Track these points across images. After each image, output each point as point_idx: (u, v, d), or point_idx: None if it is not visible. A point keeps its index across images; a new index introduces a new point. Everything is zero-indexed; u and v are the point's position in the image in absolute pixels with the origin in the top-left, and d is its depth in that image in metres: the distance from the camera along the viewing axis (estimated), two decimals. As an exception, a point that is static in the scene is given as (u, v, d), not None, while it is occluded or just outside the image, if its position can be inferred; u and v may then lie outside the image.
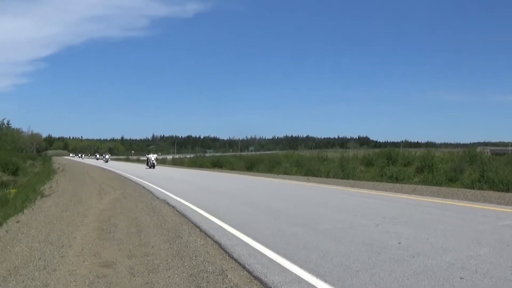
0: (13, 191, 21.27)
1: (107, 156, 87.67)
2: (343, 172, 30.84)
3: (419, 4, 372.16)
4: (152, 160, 54.43)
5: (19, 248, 8.25)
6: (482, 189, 18.34)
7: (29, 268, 6.83)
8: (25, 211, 13.28)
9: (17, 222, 11.34)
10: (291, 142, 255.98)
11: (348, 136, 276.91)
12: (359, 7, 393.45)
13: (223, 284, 5.90)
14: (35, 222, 11.30)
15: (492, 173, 21.04)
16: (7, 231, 10.04)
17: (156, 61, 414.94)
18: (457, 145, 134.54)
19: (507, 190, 17.47)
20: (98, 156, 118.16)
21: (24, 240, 9.05)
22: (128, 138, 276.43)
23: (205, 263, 6.98)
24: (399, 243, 7.96)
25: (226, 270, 6.52)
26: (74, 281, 6.15)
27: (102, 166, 58.34)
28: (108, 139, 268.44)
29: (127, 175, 34.26)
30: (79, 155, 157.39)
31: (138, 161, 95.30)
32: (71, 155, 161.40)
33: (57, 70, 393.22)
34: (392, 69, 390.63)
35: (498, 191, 17.31)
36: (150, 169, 48.57)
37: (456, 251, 7.26)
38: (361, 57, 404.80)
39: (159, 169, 49.16)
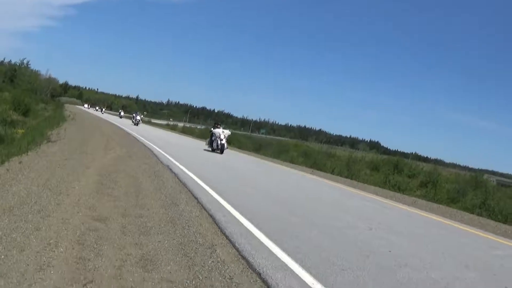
0: (20, 131, 21.36)
1: (138, 117, 60.40)
2: (348, 171, 30.85)
3: (459, 19, 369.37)
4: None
5: (17, 189, 8.31)
6: (480, 216, 18.31)
7: (24, 210, 6.89)
8: (29, 153, 13.34)
9: (20, 162, 11.40)
10: (303, 132, 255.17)
11: (360, 138, 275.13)
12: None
13: (210, 258, 5.96)
14: (37, 165, 11.36)
15: (494, 202, 21.02)
16: (8, 170, 10.10)
17: (183, 26, 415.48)
18: (465, 168, 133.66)
19: (505, 222, 17.44)
20: (122, 113, 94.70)
21: (23, 181, 9.11)
22: (143, 98, 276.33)
23: (197, 234, 7.05)
24: (390, 251, 7.98)
25: (215, 245, 6.58)
26: (65, 229, 6.22)
27: (111, 121, 57.89)
28: (123, 96, 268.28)
29: (136, 135, 34.25)
30: (97, 107, 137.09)
31: (150, 123, 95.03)
32: (85, 105, 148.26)
33: (86, 19, 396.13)
34: (415, 81, 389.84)
35: (496, 220, 17.27)
36: (157, 134, 47.19)
37: (443, 269, 7.27)
38: (383, 63, 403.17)
39: (168, 134, 48.94)
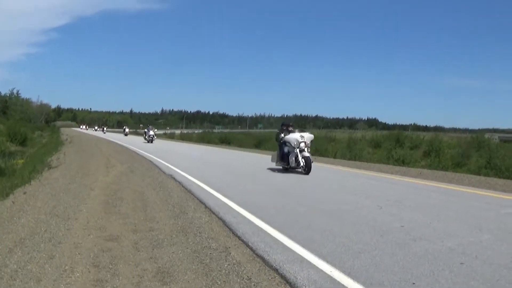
0: (20, 161, 21.42)
1: (151, 133, 50.31)
2: (350, 153, 30.82)
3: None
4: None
5: (25, 220, 8.34)
6: (488, 176, 18.28)
7: (35, 240, 6.91)
8: (32, 182, 13.37)
9: (24, 193, 11.43)
10: (300, 121, 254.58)
11: (357, 117, 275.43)
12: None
13: (226, 261, 5.98)
14: (42, 193, 11.39)
15: (499, 160, 21.01)
16: (13, 202, 10.14)
17: (168, 35, 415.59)
18: (466, 131, 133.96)
19: (513, 178, 17.42)
20: (127, 130, 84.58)
21: (30, 211, 9.14)
22: (137, 111, 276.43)
23: (209, 239, 7.06)
24: (402, 226, 8.00)
25: (229, 248, 6.60)
26: (79, 254, 6.23)
27: (109, 139, 57.33)
28: (117, 111, 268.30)
29: (135, 148, 34.23)
30: (97, 127, 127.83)
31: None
32: (82, 127, 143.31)
33: (69, 40, 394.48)
34: (403, 52, 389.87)
35: (504, 178, 17.24)
36: (156, 144, 45.00)
37: (457, 236, 7.29)
38: (373, 38, 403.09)
39: (166, 144, 47.92)
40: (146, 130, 53.23)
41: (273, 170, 18.39)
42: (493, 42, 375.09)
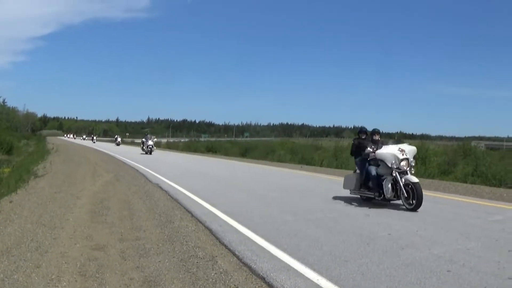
0: (6, 170, 21.22)
1: (150, 142, 44.37)
2: (337, 161, 30.87)
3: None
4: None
5: (12, 229, 8.26)
6: (474, 184, 18.37)
7: (21, 249, 6.86)
8: (18, 191, 13.26)
9: (10, 202, 11.34)
10: (287, 129, 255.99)
11: (344, 125, 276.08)
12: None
13: (212, 270, 5.95)
14: (28, 202, 11.31)
15: (485, 167, 21.11)
16: (0, 211, 10.06)
17: (154, 43, 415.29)
18: (452, 138, 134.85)
19: (500, 185, 17.52)
20: (119, 139, 78.89)
21: (17, 220, 9.06)
22: (123, 120, 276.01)
23: (196, 248, 7.04)
24: (389, 234, 8.02)
25: (216, 256, 6.58)
26: (65, 263, 6.19)
27: (95, 148, 57.18)
28: (103, 120, 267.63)
29: (121, 157, 34.12)
30: (85, 136, 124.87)
31: (133, 143, 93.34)
32: (68, 135, 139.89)
33: (56, 49, 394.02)
34: (390, 60, 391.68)
35: (490, 186, 17.34)
36: (143, 154, 42.27)
37: (444, 244, 7.33)
38: (359, 47, 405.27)
39: (153, 153, 43.87)
40: (143, 139, 46.35)
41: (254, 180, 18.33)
42: (479, 50, 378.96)
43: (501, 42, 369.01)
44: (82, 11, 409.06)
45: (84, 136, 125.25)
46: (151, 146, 43.56)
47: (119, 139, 78.46)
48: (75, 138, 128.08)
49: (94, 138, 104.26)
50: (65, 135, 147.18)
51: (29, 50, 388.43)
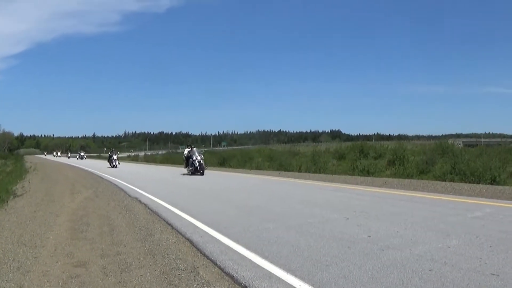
0: (-16, 191, 21.01)
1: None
2: (315, 166, 30.96)
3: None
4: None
5: (-9, 250, 8.17)
6: (453, 181, 18.54)
7: (3, 269, 6.76)
8: (-3, 211, 13.13)
9: (-12, 223, 11.22)
10: (263, 137, 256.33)
11: (320, 130, 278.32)
12: None
13: (194, 281, 5.90)
14: (8, 223, 11.18)
15: (463, 165, 21.29)
16: (-22, 233, 9.93)
17: (127, 57, 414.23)
18: (430, 137, 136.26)
19: (478, 182, 17.68)
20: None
21: (-4, 241, 8.96)
22: (100, 135, 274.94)
23: (177, 260, 6.98)
24: (369, 236, 8.02)
25: (198, 267, 6.53)
26: (47, 281, 6.11)
27: (73, 164, 56.81)
28: (80, 136, 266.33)
29: (99, 173, 33.94)
30: (69, 154, 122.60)
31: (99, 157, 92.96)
32: (54, 153, 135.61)
33: (29, 67, 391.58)
34: (364, 62, 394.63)
35: (469, 183, 17.51)
36: (120, 167, 44.43)
37: (425, 243, 7.34)
38: (333, 50, 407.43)
39: (132, 166, 47.12)
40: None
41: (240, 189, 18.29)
42: (452, 48, 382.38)
43: (474, 39, 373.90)
44: (54, 29, 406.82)
45: (69, 154, 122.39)
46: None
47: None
48: (60, 156, 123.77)
49: (82, 154, 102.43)
50: (44, 154, 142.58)
51: (2, 69, 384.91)
